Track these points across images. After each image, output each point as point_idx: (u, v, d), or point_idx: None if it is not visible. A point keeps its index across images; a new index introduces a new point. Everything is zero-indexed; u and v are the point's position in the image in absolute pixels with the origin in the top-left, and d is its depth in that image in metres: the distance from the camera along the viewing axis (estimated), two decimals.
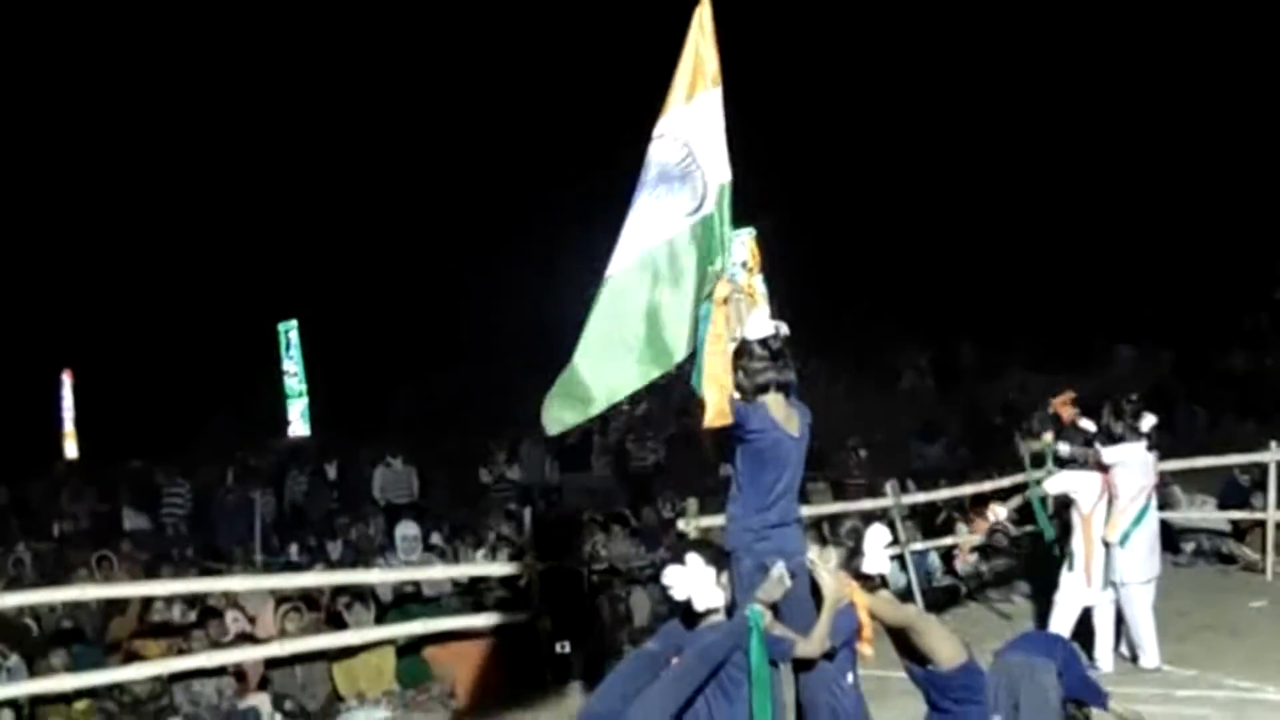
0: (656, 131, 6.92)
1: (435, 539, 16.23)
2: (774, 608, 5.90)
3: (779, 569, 5.95)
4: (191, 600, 12.86)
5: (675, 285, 6.76)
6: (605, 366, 6.73)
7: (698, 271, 6.77)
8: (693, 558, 5.78)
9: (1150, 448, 10.79)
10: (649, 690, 5.60)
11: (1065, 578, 10.92)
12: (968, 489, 15.44)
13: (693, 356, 6.66)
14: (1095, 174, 29.74)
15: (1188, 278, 28.32)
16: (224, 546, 18.48)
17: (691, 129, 6.88)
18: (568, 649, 12.28)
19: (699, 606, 5.78)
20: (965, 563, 14.91)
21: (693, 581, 5.75)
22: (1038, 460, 11.13)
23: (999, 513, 10.91)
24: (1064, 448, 10.70)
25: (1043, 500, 11.41)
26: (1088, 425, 10.85)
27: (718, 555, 5.94)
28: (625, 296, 6.78)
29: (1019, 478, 12.79)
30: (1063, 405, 11.07)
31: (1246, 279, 28.05)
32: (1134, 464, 10.63)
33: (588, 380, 6.73)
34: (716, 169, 6.89)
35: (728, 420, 6.44)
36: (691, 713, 5.60)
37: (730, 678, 5.65)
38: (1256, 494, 15.44)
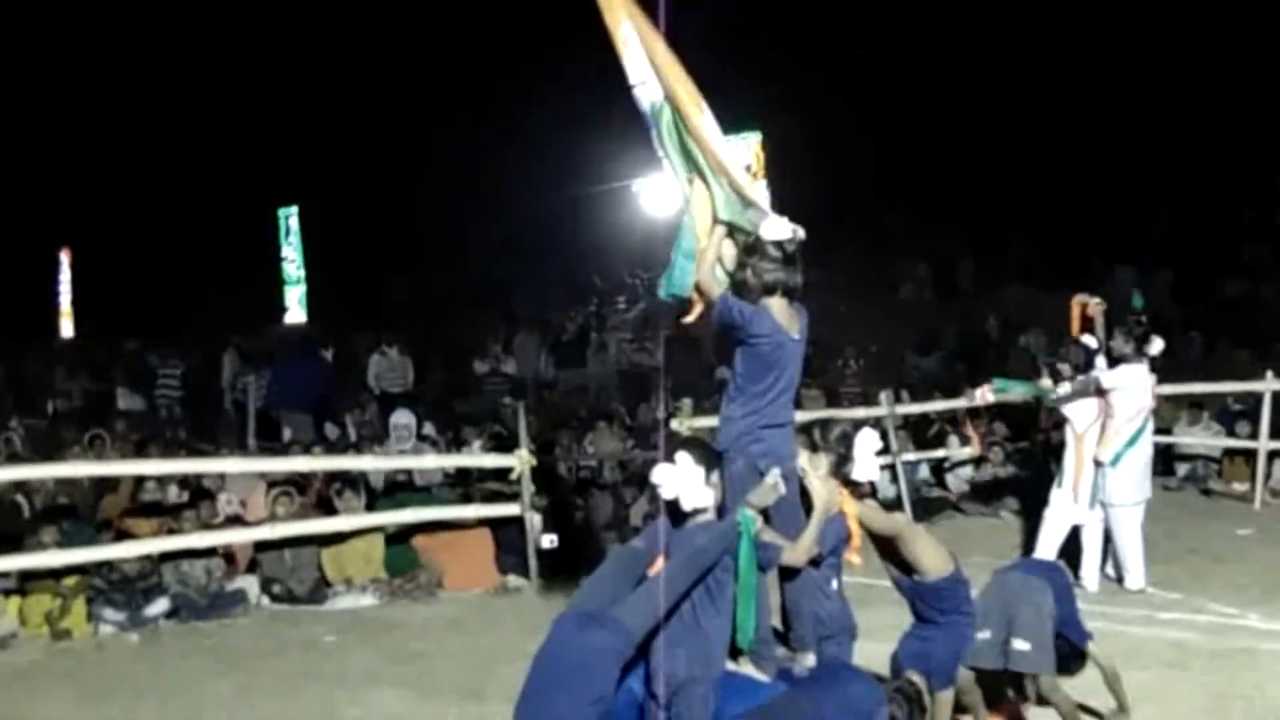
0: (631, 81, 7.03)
1: (428, 429, 16.26)
2: (764, 513, 5.90)
3: (774, 475, 5.93)
4: (183, 481, 12.90)
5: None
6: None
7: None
8: (682, 456, 5.76)
9: (1152, 370, 10.80)
10: (636, 593, 5.60)
11: (1055, 495, 10.97)
12: (962, 402, 15.47)
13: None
14: (1102, 94, 29.48)
15: (1191, 203, 28.19)
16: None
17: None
18: (555, 543, 12.34)
19: (686, 506, 5.76)
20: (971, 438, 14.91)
21: (681, 480, 5.73)
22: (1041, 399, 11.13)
23: (988, 397, 10.96)
24: (1064, 389, 10.70)
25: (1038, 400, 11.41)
26: (1090, 341, 10.84)
27: (709, 454, 5.93)
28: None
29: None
30: (1092, 305, 11.05)
31: (1250, 207, 27.92)
32: (1134, 386, 10.63)
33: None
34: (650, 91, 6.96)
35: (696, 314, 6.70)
36: (677, 615, 5.60)
37: (717, 580, 5.65)
38: (1241, 422, 15.51)
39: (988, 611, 7.11)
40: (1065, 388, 10.71)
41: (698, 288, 6.67)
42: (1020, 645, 7.02)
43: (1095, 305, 11.07)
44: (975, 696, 7.26)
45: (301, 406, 19.23)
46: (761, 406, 6.35)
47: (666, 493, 5.77)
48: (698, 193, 6.75)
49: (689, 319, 6.84)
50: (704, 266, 6.59)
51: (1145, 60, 28.74)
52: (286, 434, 18.36)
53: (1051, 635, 7.08)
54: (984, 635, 7.08)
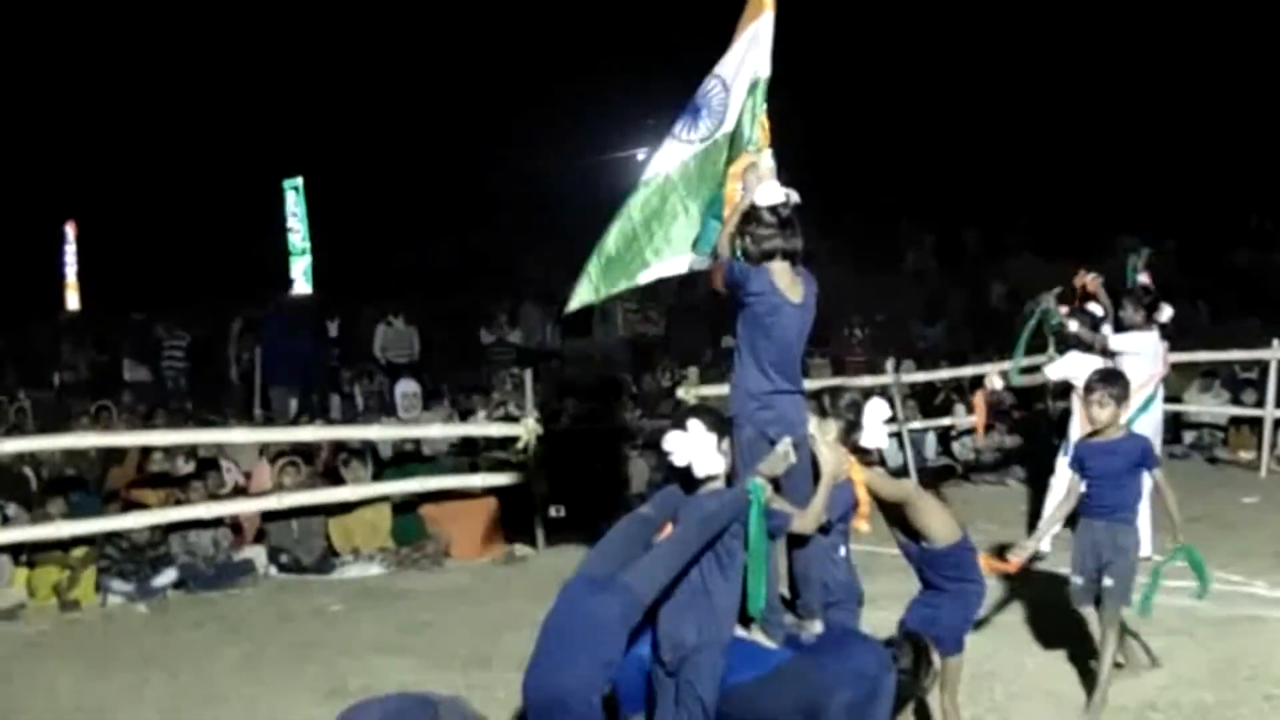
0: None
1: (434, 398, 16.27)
2: (774, 480, 5.90)
3: (785, 444, 5.93)
4: (190, 452, 12.92)
5: (684, 199, 7.65)
6: (613, 265, 7.80)
7: (707, 183, 7.58)
8: (694, 423, 5.75)
9: (1163, 338, 10.77)
10: (644, 558, 5.60)
11: (1061, 463, 10.93)
12: (967, 370, 15.47)
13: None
14: (1110, 63, 29.40)
15: (1198, 172, 28.10)
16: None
17: (735, 55, 7.56)
18: (562, 512, 12.37)
19: (699, 473, 5.76)
20: (980, 442, 14.93)
21: (693, 447, 5.73)
22: (1044, 325, 11.05)
23: (995, 383, 10.89)
24: (1073, 324, 10.63)
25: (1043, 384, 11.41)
26: (1095, 309, 10.80)
27: (719, 421, 5.93)
28: (637, 207, 7.74)
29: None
30: (1090, 280, 11.00)
31: (1257, 176, 27.82)
32: (1144, 353, 10.59)
33: (596, 272, 7.81)
34: (754, 67, 7.45)
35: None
36: (686, 582, 5.61)
37: (726, 548, 5.65)
38: (1248, 390, 15.51)
39: (1082, 559, 7.53)
40: (1074, 325, 10.64)
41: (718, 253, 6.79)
42: (1107, 582, 7.39)
43: (1093, 279, 11.03)
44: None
45: (290, 381, 19.34)
46: (767, 371, 6.36)
47: (678, 460, 5.77)
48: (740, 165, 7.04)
49: (718, 285, 6.97)
50: (724, 234, 6.63)
51: (1153, 28, 28.65)
52: (292, 406, 18.40)
53: (1134, 573, 7.48)
54: (1078, 581, 7.55)
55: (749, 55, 7.45)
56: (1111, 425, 7.63)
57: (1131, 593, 7.41)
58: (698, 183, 7.65)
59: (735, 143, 7.41)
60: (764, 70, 7.36)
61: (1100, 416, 7.61)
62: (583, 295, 7.96)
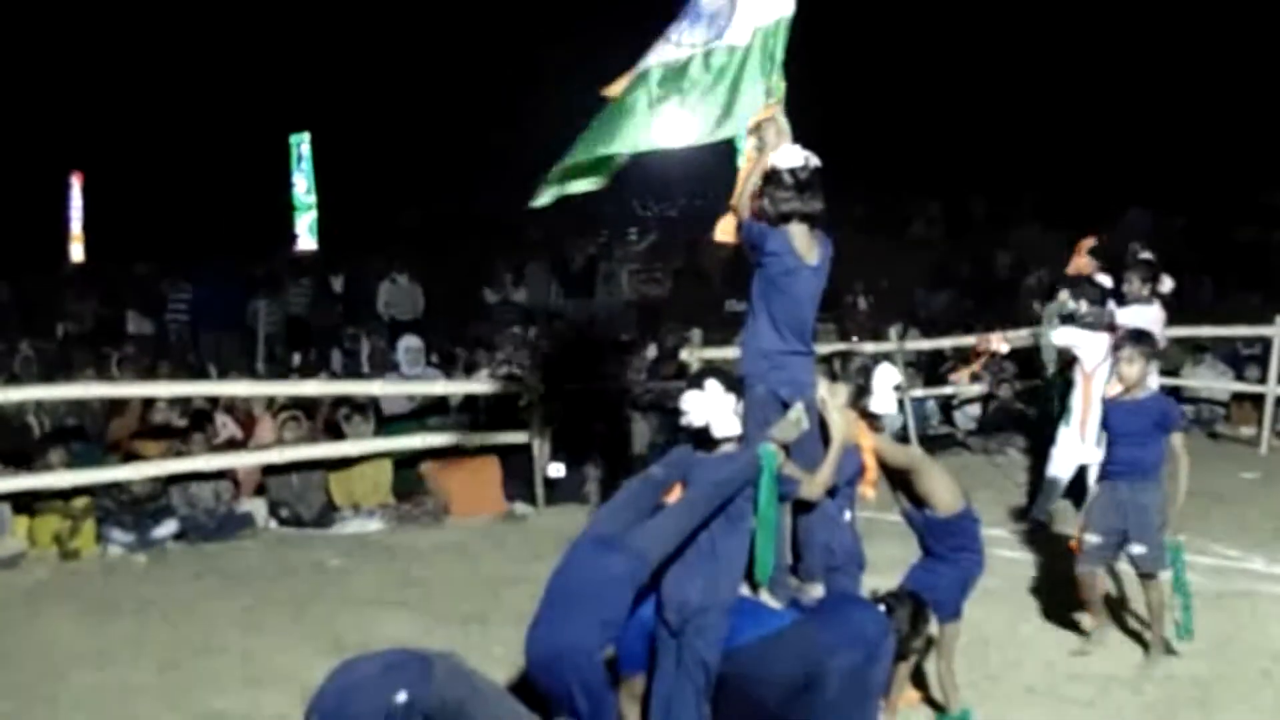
0: None
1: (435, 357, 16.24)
2: (784, 445, 5.91)
3: (797, 410, 5.94)
4: (183, 405, 12.92)
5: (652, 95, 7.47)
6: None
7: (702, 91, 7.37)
8: (711, 383, 5.77)
9: (1163, 308, 10.77)
10: (654, 519, 5.62)
11: (1062, 433, 10.95)
12: (971, 339, 15.43)
13: None
14: (1119, 35, 29.29)
15: (1205, 147, 27.99)
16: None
17: None
18: (562, 472, 12.38)
19: (717, 433, 5.78)
20: (959, 381, 14.87)
21: (711, 407, 5.75)
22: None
23: (1002, 347, 10.93)
24: (1082, 306, 10.63)
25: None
26: (1104, 280, 10.78)
27: (734, 382, 5.94)
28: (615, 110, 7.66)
29: (1024, 332, 12.76)
30: (1081, 254, 10.99)
31: (1264, 151, 27.71)
32: (1146, 326, 10.58)
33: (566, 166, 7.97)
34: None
35: (729, 238, 6.89)
36: (693, 543, 5.62)
37: (737, 508, 5.67)
38: (1250, 366, 15.48)
39: (1103, 518, 7.73)
40: (1083, 306, 10.63)
41: (733, 209, 6.77)
42: (1137, 549, 7.66)
43: (1089, 262, 11.02)
44: (1096, 594, 7.90)
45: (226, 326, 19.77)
46: (783, 332, 6.37)
47: (695, 420, 5.79)
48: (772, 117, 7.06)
49: (725, 235, 6.98)
50: (744, 188, 6.64)
51: (1163, 2, 28.55)
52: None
53: (1160, 531, 7.64)
54: (1094, 540, 7.73)
55: None
56: (1139, 384, 7.82)
57: (1165, 555, 7.61)
58: (676, 81, 7.46)
59: (744, 69, 7.32)
60: (788, 8, 7.36)
61: (1128, 374, 7.79)
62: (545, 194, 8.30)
